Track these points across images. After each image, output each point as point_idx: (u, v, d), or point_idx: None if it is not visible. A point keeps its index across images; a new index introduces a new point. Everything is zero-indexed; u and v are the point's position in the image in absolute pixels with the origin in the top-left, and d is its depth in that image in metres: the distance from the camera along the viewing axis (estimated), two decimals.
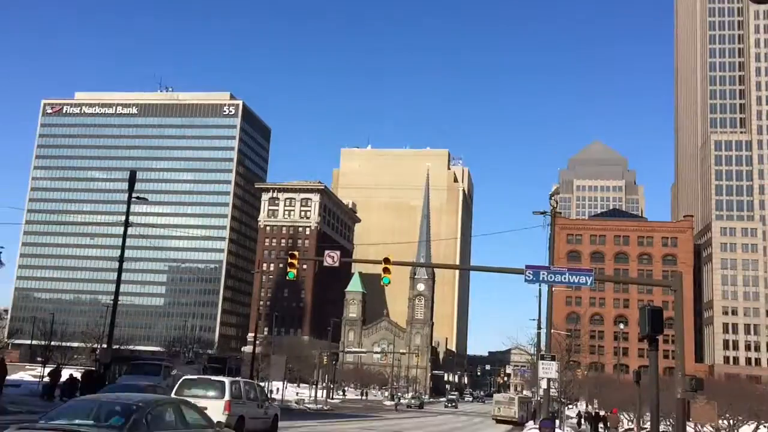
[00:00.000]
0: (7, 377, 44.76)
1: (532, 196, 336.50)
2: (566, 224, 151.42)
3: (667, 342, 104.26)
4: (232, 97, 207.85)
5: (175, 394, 15.62)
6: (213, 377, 25.22)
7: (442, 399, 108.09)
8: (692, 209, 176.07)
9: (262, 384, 39.23)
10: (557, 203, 41.61)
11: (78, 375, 43.38)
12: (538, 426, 42.01)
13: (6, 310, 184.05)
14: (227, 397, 21.12)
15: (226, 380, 22.72)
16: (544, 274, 24.85)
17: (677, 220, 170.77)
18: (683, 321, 24.41)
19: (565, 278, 24.66)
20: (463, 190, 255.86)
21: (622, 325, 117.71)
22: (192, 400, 12.61)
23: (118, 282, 40.29)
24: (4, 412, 28.23)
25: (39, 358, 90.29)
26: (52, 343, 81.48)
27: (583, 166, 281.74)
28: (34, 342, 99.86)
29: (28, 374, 70.40)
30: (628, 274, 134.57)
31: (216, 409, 18.89)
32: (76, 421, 11.30)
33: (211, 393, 21.29)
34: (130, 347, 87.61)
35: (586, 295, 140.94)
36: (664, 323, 11.69)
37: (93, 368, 40.69)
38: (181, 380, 22.82)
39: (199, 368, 41.17)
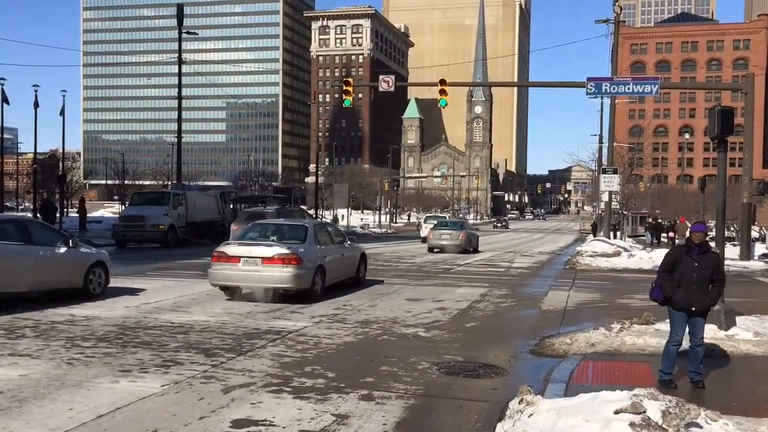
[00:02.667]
0: (89, 214, 47.52)
1: (593, 6, 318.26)
2: (630, 33, 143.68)
3: (734, 150, 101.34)
4: None
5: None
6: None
7: (505, 218, 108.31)
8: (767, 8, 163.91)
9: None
10: (621, 10, 39.20)
11: None
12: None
13: (78, 153, 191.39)
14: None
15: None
16: (606, 85, 23.96)
17: (750, 20, 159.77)
18: (753, 125, 23.56)
19: (629, 88, 23.75)
20: (520, 5, 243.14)
21: (687, 135, 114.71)
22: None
23: (179, 120, 41.16)
24: (90, 245, 30.23)
25: (115, 197, 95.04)
26: (126, 182, 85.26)
27: None
28: (109, 182, 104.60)
29: (107, 212, 74.28)
30: (696, 82, 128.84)
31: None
32: (271, 238, 14.65)
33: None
34: (199, 183, 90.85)
35: (650, 107, 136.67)
36: (734, 127, 11.27)
37: None
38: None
39: (216, 194, 37.25)
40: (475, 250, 33.57)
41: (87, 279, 13.51)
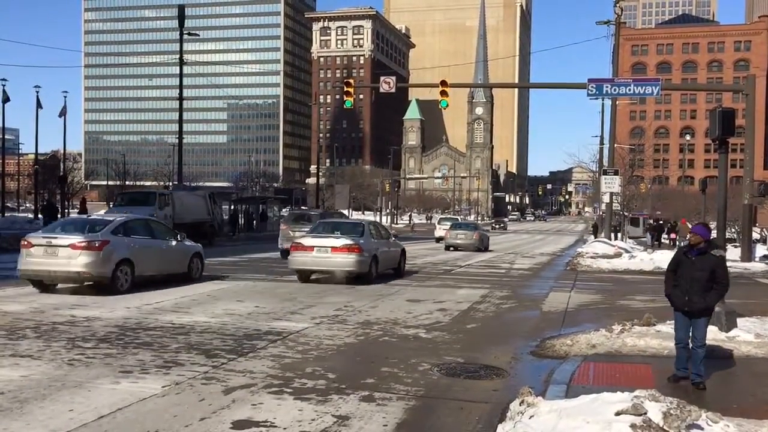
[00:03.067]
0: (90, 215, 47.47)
1: (594, 7, 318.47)
2: (631, 34, 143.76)
3: (735, 151, 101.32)
4: None
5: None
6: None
7: (504, 219, 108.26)
8: None
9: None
10: (622, 11, 39.21)
11: None
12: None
13: (80, 154, 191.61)
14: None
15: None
16: (607, 86, 23.95)
17: (751, 22, 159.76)
18: (754, 126, 23.55)
19: (630, 89, 23.73)
20: (521, 6, 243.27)
21: (688, 137, 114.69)
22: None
23: (181, 121, 41.19)
24: None
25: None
26: (127, 182, 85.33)
27: None
28: (110, 183, 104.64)
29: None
30: (697, 83, 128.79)
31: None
32: (335, 232, 18.17)
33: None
34: (200, 184, 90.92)
35: (651, 109, 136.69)
36: (735, 128, 11.26)
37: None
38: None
39: (205, 194, 36.22)
40: (486, 249, 36.21)
41: (189, 266, 17.09)
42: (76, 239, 14.11)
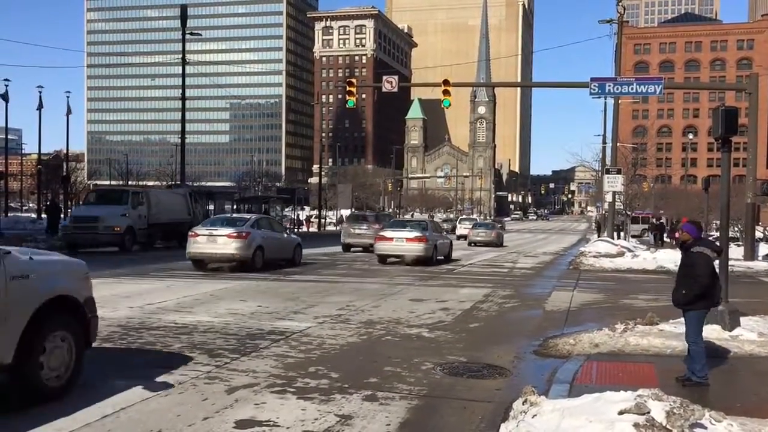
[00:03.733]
0: None
1: (596, 6, 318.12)
2: (634, 33, 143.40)
3: (738, 150, 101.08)
4: None
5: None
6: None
7: (506, 219, 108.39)
8: None
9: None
10: (624, 10, 39.14)
11: None
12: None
13: (82, 154, 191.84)
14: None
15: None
16: (610, 85, 23.92)
17: (755, 20, 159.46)
18: (757, 125, 23.50)
19: (632, 88, 23.71)
20: (523, 5, 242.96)
21: (691, 135, 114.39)
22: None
23: (183, 121, 41.22)
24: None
25: None
26: (130, 182, 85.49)
27: None
28: (113, 182, 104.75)
29: None
30: (700, 82, 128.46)
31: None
32: (407, 227, 25.08)
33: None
34: (203, 183, 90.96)
35: (654, 107, 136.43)
36: (738, 127, 11.23)
37: None
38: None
39: (185, 193, 33.56)
40: (502, 245, 41.19)
41: (294, 253, 22.46)
42: (230, 231, 19.80)
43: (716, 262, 7.61)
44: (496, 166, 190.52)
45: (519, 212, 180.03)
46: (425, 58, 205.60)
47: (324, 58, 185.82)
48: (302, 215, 68.75)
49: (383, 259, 24.27)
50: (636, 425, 4.87)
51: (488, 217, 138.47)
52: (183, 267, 20.82)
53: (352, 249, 31.02)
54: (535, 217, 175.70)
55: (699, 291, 7.28)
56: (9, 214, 54.80)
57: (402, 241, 23.50)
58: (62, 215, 39.12)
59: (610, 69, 42.45)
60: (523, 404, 5.83)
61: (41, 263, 6.40)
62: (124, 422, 5.87)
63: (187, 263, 20.59)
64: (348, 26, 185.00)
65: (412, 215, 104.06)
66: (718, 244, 8.69)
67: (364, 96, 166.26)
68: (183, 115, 41.03)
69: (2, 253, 5.83)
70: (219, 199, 45.70)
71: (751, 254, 25.51)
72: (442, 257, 25.72)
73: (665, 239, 46.08)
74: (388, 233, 24.17)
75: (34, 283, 6.05)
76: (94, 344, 7.18)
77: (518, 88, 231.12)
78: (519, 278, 20.87)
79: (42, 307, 6.06)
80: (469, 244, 40.16)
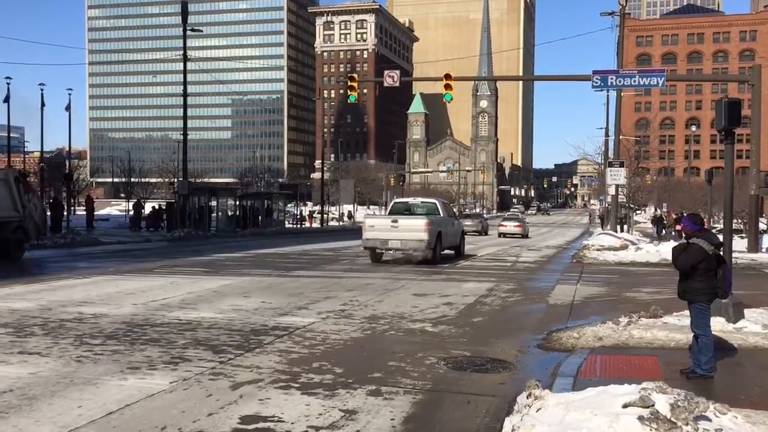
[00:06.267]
0: (96, 212, 47.72)
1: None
2: (636, 25, 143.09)
3: (741, 142, 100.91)
4: None
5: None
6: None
7: (507, 213, 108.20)
8: None
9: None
10: (626, 2, 38.99)
11: (160, 207, 45.88)
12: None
13: (85, 151, 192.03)
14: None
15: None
16: (612, 78, 23.91)
17: (757, 11, 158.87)
18: (761, 116, 23.43)
19: (635, 81, 23.69)
20: None
21: (694, 128, 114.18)
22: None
23: (185, 117, 41.26)
24: (98, 243, 30.39)
25: (122, 194, 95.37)
26: (132, 179, 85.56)
27: None
28: (116, 179, 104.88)
29: (114, 209, 74.55)
30: (702, 74, 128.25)
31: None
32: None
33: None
34: (205, 180, 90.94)
35: (657, 100, 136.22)
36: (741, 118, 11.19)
37: (173, 200, 42.57)
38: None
39: (8, 176, 21.79)
40: (527, 236, 47.20)
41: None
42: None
43: (719, 254, 7.58)
44: (499, 160, 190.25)
45: (518, 206, 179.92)
46: (427, 52, 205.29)
47: (325, 54, 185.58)
48: (305, 211, 68.79)
49: (503, 235, 44.75)
50: (640, 418, 4.87)
51: (492, 211, 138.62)
52: (186, 264, 20.85)
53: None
54: (534, 212, 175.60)
55: (681, 273, 7.45)
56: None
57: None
58: (65, 212, 39.15)
59: (613, 61, 42.39)
60: (527, 398, 5.83)
61: (460, 224, 22.08)
62: (129, 419, 5.88)
63: (191, 260, 20.60)
64: (349, 21, 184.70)
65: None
66: (719, 237, 8.68)
67: (365, 91, 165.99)
68: (185, 112, 41.06)
69: (458, 218, 22.63)
70: (222, 196, 45.73)
71: (755, 246, 25.47)
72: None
73: (663, 232, 46.09)
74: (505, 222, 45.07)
75: (461, 227, 26.39)
76: (98, 340, 7.18)
77: (520, 82, 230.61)
78: (522, 272, 20.85)
79: (462, 232, 26.77)
80: (500, 235, 46.34)
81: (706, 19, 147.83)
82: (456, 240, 24.42)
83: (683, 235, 7.79)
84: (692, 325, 7.51)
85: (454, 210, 41.22)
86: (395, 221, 21.35)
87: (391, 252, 22.36)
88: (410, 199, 25.77)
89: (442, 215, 22.87)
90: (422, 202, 24.35)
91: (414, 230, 21.03)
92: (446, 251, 23.57)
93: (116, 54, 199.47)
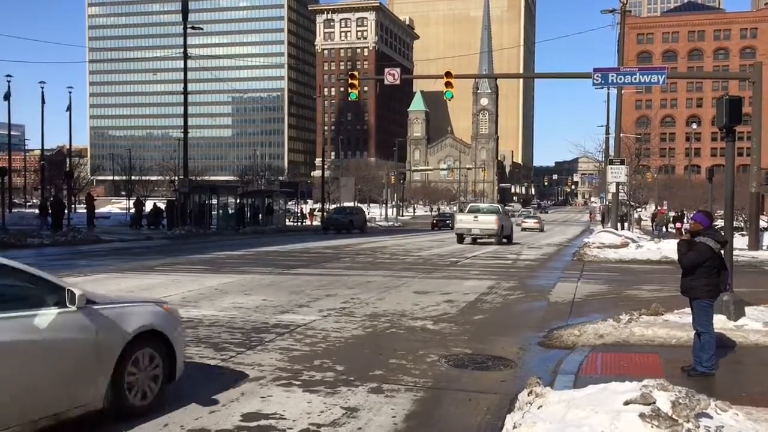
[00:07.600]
0: (96, 210, 47.73)
1: None
2: (637, 23, 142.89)
3: (741, 139, 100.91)
4: None
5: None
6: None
7: (522, 210, 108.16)
8: None
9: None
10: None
11: (161, 205, 45.90)
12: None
13: (85, 149, 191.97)
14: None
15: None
16: (613, 76, 23.88)
17: (758, 9, 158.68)
18: (761, 114, 23.42)
19: (636, 78, 23.67)
20: None
21: (694, 125, 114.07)
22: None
23: (186, 115, 41.22)
24: (99, 241, 30.40)
25: (123, 192, 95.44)
26: (133, 177, 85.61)
27: None
28: (116, 177, 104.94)
29: (115, 207, 74.59)
30: (703, 71, 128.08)
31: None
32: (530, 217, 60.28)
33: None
34: (206, 178, 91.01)
35: (657, 98, 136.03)
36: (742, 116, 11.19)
37: (174, 198, 42.57)
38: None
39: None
40: (542, 230, 54.08)
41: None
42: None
43: (722, 252, 7.59)
44: (499, 158, 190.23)
45: (514, 204, 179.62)
46: (427, 50, 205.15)
47: (326, 51, 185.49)
48: (306, 209, 68.79)
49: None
50: (642, 415, 4.88)
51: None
52: (187, 262, 20.86)
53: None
54: (530, 210, 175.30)
55: (685, 270, 7.48)
56: (13, 210, 54.94)
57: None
58: (65, 210, 39.16)
59: (613, 59, 42.37)
60: (528, 395, 5.84)
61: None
62: (130, 417, 5.89)
63: (192, 258, 20.60)
64: (349, 19, 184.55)
65: (413, 209, 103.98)
66: (723, 234, 8.68)
67: (366, 89, 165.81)
68: (185, 110, 41.02)
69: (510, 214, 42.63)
70: (222, 194, 45.73)
71: (755, 244, 25.45)
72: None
73: (670, 229, 46.03)
74: (522, 219, 51.12)
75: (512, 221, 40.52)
76: None
77: (521, 79, 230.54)
78: (523, 270, 20.86)
79: (512, 225, 40.50)
80: (523, 229, 51.84)
81: (706, 17, 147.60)
82: (509, 231, 34.02)
83: (682, 234, 7.79)
84: (695, 323, 7.52)
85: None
86: (476, 217, 31.98)
87: (470, 237, 32.16)
88: (482, 204, 41.38)
89: (502, 214, 33.71)
90: (490, 205, 37.81)
91: (488, 223, 31.66)
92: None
93: (117, 52, 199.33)
